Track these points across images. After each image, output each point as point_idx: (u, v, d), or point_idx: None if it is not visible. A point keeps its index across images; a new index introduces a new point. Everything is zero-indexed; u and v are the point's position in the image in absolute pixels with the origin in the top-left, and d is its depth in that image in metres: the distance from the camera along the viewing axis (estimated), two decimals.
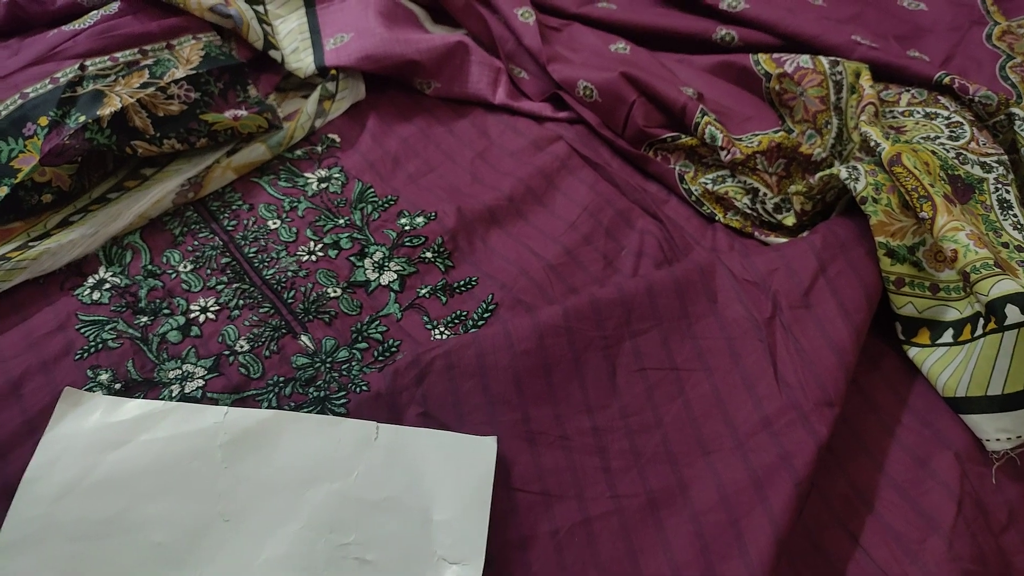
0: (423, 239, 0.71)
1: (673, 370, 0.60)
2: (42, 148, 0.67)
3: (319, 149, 0.80)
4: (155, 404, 0.56)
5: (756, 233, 0.74)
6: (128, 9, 0.79)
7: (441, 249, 0.70)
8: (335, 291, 0.67)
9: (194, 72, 0.75)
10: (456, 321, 0.65)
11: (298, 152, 0.79)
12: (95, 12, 0.81)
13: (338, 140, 0.81)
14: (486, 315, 0.66)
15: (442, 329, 0.65)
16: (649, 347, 0.61)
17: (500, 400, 0.57)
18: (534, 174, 0.77)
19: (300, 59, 0.84)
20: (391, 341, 0.64)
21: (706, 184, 0.76)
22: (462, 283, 0.68)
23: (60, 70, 0.72)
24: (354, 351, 0.63)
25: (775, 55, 0.82)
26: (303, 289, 0.67)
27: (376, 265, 0.69)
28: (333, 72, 0.82)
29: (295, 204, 0.74)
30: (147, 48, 0.77)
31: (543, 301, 0.66)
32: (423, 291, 0.67)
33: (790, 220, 0.73)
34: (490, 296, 0.67)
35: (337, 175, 0.77)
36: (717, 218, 0.75)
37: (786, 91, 0.79)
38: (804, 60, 0.79)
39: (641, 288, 0.63)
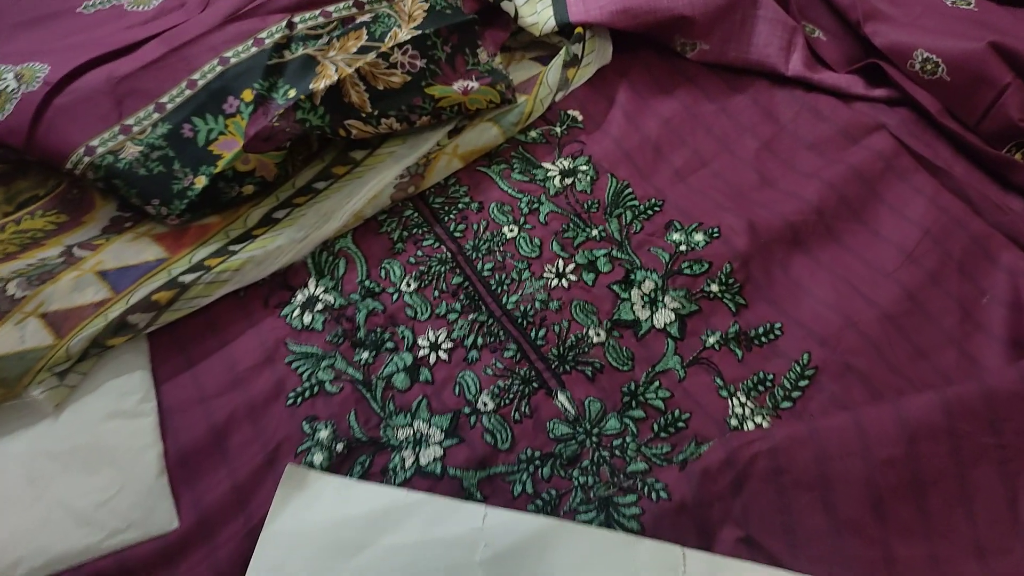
0: (706, 266, 0.54)
1: None
2: (246, 132, 0.55)
3: (558, 130, 0.64)
4: (396, 493, 0.44)
5: None
6: None
7: (729, 280, 0.54)
8: (597, 333, 0.52)
9: (419, 32, 0.60)
10: (761, 387, 0.49)
11: (532, 134, 0.64)
12: None
13: (580, 118, 0.65)
14: (802, 383, 0.49)
15: (742, 399, 0.49)
16: None
17: (850, 527, 0.41)
18: (848, 177, 0.58)
19: (536, 11, 0.67)
20: (676, 412, 0.48)
21: None
22: (761, 331, 0.52)
23: (264, 28, 0.59)
24: (626, 421, 0.48)
25: None
26: (556, 328, 0.52)
27: (646, 299, 0.53)
28: (579, 31, 0.65)
29: (535, 205, 0.59)
30: (364, 0, 0.62)
31: (884, 369, 0.49)
32: (710, 339, 0.51)
33: None
34: (805, 356, 0.50)
35: (584, 167, 0.61)
36: None
37: None
38: None
39: None
